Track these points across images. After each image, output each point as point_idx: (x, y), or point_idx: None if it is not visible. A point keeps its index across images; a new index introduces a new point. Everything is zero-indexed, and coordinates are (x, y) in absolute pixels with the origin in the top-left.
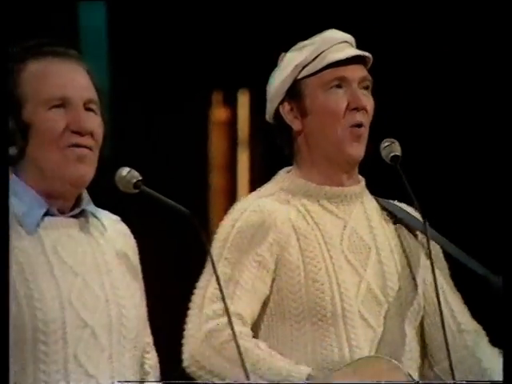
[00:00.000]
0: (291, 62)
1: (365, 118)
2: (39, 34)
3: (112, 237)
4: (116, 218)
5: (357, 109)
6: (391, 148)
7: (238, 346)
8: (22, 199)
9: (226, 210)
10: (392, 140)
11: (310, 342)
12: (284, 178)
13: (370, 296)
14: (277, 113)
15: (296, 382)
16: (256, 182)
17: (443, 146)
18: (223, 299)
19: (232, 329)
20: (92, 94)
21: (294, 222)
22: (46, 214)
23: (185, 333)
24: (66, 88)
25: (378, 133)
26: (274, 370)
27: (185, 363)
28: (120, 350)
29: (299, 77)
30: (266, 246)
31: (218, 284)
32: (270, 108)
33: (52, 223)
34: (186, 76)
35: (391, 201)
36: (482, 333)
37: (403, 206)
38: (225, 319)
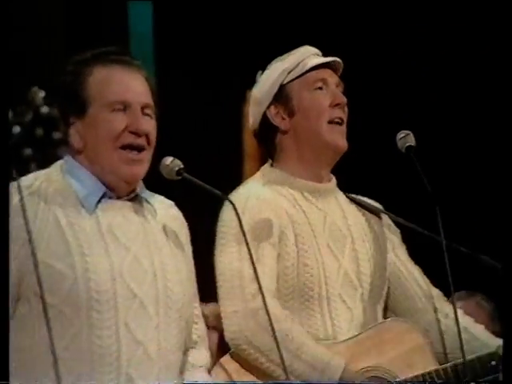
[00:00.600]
0: (276, 70)
1: (344, 114)
2: (92, 36)
3: (164, 219)
4: (170, 202)
5: (338, 105)
6: (406, 139)
7: (273, 330)
8: (83, 183)
9: None
10: (407, 132)
11: (299, 318)
12: (269, 171)
13: (347, 280)
14: (264, 116)
15: (334, 370)
16: None
17: (451, 138)
18: (257, 279)
19: (267, 312)
20: (149, 99)
21: (288, 210)
22: (104, 196)
23: (224, 309)
24: (127, 94)
25: (392, 125)
26: (317, 356)
27: (230, 337)
28: (166, 320)
29: (285, 82)
30: (274, 230)
31: (253, 265)
32: (257, 113)
33: (109, 205)
34: (223, 75)
35: (352, 195)
36: (443, 297)
37: (363, 198)
38: (269, 297)
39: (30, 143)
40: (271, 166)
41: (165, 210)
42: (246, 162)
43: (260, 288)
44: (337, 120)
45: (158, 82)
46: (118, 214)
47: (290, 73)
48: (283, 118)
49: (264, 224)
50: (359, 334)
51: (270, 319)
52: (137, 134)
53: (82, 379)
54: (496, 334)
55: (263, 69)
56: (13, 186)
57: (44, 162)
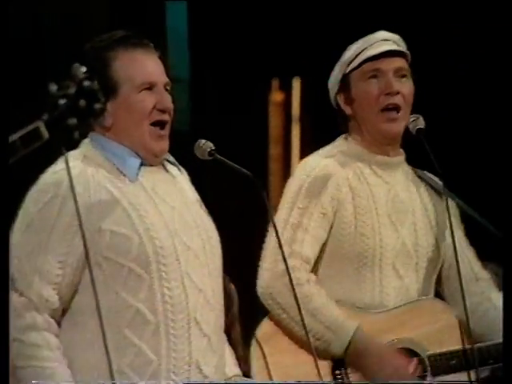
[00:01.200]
0: (341, 61)
1: (400, 101)
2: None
3: (180, 178)
4: (173, 159)
5: (389, 93)
6: (416, 122)
7: (294, 292)
8: (120, 156)
9: (281, 175)
10: (417, 116)
11: (350, 283)
12: (342, 143)
13: (404, 250)
14: (335, 100)
15: (346, 330)
16: (305, 151)
17: (459, 122)
18: (280, 247)
19: (289, 276)
20: (166, 77)
21: (351, 182)
22: (141, 164)
23: (261, 266)
24: (152, 74)
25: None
26: (332, 317)
27: (259, 291)
28: (214, 267)
29: (346, 72)
30: (329, 200)
31: (277, 235)
32: (332, 97)
33: (146, 172)
34: (251, 67)
35: (421, 170)
36: (493, 282)
37: (431, 175)
38: (299, 261)
39: (74, 113)
40: (345, 138)
41: (176, 170)
42: (271, 144)
43: (282, 254)
44: (390, 107)
45: (192, 72)
46: (155, 178)
47: (349, 64)
48: (347, 104)
49: (320, 194)
50: (399, 306)
51: (291, 281)
52: (163, 110)
53: (160, 327)
54: None
55: (286, 59)
56: (61, 161)
57: (86, 131)
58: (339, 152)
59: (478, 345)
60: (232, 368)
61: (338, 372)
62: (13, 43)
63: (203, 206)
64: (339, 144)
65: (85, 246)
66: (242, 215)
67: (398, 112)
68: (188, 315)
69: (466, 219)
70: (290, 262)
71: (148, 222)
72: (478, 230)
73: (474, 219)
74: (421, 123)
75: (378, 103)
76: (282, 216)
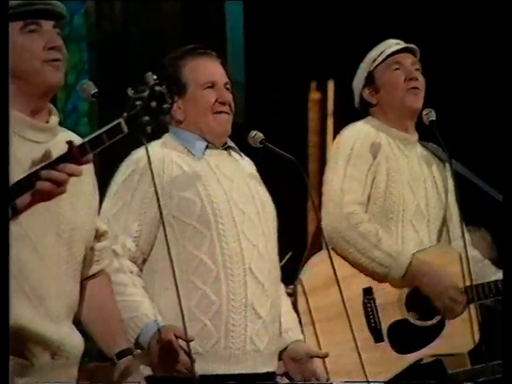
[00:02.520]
0: (365, 61)
1: (419, 84)
2: (199, 30)
3: (247, 164)
4: (236, 148)
5: (411, 79)
6: (429, 115)
7: (356, 228)
8: (190, 140)
9: (318, 159)
10: (430, 109)
11: (381, 233)
12: (371, 119)
13: (418, 210)
14: (360, 96)
15: (405, 257)
16: None
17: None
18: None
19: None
20: (227, 78)
21: (385, 149)
22: (207, 148)
23: (325, 210)
24: (213, 75)
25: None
26: (392, 246)
27: (327, 229)
28: (266, 228)
29: (371, 69)
30: (372, 159)
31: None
32: (357, 93)
33: (211, 152)
34: (295, 72)
35: (427, 143)
36: (484, 244)
37: (435, 146)
38: (358, 206)
39: (147, 112)
40: (371, 119)
41: (244, 159)
42: (310, 134)
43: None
44: (413, 87)
45: (246, 76)
46: (219, 158)
47: (374, 61)
48: (372, 95)
49: (366, 153)
50: (416, 252)
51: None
52: (223, 103)
53: (220, 274)
54: (493, 260)
55: (322, 65)
56: (143, 149)
57: (157, 126)
58: (370, 126)
59: (479, 282)
60: (295, 332)
61: (367, 298)
62: (106, 59)
63: (261, 183)
64: (368, 120)
65: (159, 208)
66: (285, 193)
67: (418, 93)
68: (243, 265)
69: (465, 186)
70: (350, 208)
71: (209, 189)
72: (475, 197)
73: (473, 186)
74: (432, 116)
75: (404, 87)
76: (339, 171)
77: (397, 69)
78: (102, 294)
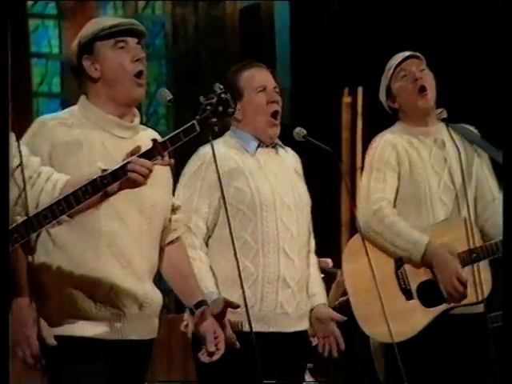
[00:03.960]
0: (384, 75)
1: (426, 82)
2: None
3: (289, 158)
4: (289, 148)
5: (417, 79)
6: (441, 114)
7: (381, 223)
8: (246, 139)
9: (350, 152)
10: (442, 109)
11: (413, 217)
12: (395, 126)
13: (446, 187)
14: (387, 105)
15: (422, 242)
16: (365, 136)
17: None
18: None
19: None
20: (275, 83)
21: (407, 150)
22: (258, 146)
23: (359, 206)
24: (264, 81)
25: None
26: (412, 235)
27: (362, 222)
28: (301, 215)
29: (387, 82)
30: (395, 159)
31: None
32: (384, 104)
33: (262, 150)
34: (330, 79)
35: (456, 125)
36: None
37: (466, 126)
38: (385, 202)
39: (215, 115)
40: (399, 123)
41: (290, 154)
42: (344, 131)
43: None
44: (420, 91)
45: (292, 83)
46: (267, 156)
47: (387, 75)
48: (393, 101)
49: (389, 157)
50: (440, 222)
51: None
52: (274, 102)
53: (258, 254)
54: None
55: (354, 74)
56: (207, 146)
57: (223, 126)
58: (397, 130)
59: (487, 243)
60: (321, 297)
61: (399, 271)
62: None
63: (301, 176)
64: (392, 128)
65: (222, 193)
66: (321, 181)
67: (425, 91)
68: (278, 245)
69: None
70: (377, 205)
71: (258, 182)
72: None
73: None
74: (444, 114)
75: (413, 89)
76: (367, 176)
77: (404, 76)
78: (180, 256)
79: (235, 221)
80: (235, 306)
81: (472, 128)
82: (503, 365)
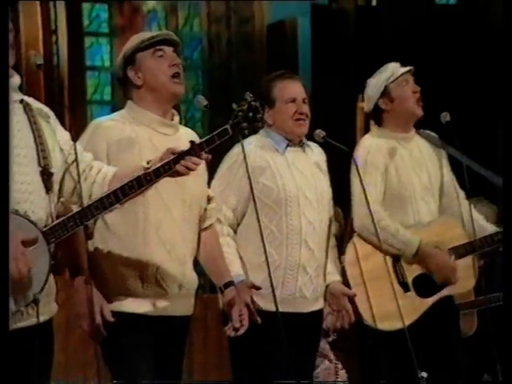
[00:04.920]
0: (379, 79)
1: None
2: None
3: (315, 156)
4: (316, 145)
5: (416, 92)
6: (445, 117)
7: (373, 222)
8: (276, 139)
9: None
10: (446, 112)
11: (399, 215)
12: (378, 130)
13: (425, 188)
14: (375, 105)
15: (414, 242)
16: None
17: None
18: (366, 199)
19: (371, 213)
20: (304, 95)
21: (390, 153)
22: (287, 146)
23: (354, 212)
24: (295, 93)
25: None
26: (404, 235)
27: (356, 225)
28: (322, 209)
29: (387, 84)
30: (382, 166)
31: (363, 188)
32: (372, 101)
33: (291, 150)
34: (346, 87)
35: (423, 131)
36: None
37: (430, 133)
38: (378, 206)
39: (245, 120)
40: (378, 127)
41: (315, 151)
42: (358, 133)
43: (368, 203)
44: (418, 99)
45: (312, 90)
46: (295, 155)
47: (389, 79)
48: (387, 105)
49: (376, 162)
50: (429, 222)
51: (372, 217)
52: (301, 113)
53: (283, 242)
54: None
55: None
56: (237, 146)
57: (252, 130)
58: (378, 135)
59: (481, 236)
60: (335, 276)
61: (395, 261)
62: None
63: (325, 171)
64: (375, 131)
65: (251, 188)
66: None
67: (421, 102)
68: (300, 236)
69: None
70: (374, 207)
71: (284, 179)
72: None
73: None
74: (448, 117)
75: (413, 98)
76: (361, 179)
77: (405, 84)
78: (212, 241)
79: (262, 213)
80: (258, 288)
81: (433, 133)
82: (502, 345)
